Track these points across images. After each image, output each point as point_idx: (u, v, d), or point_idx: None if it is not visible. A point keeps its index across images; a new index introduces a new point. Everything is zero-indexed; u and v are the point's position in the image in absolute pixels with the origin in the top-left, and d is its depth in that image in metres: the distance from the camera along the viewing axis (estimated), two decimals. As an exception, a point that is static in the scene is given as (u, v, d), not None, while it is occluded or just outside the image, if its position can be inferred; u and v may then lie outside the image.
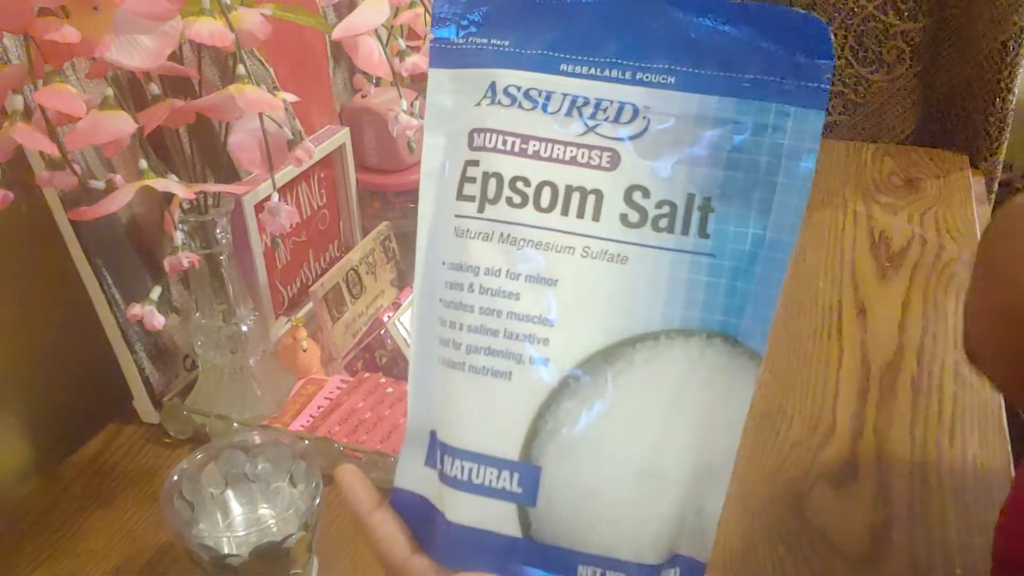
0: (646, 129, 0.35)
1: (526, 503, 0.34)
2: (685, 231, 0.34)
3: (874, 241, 0.97)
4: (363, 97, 0.88)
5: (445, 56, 0.38)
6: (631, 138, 0.35)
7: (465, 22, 0.37)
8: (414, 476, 0.38)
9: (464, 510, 0.35)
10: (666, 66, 0.35)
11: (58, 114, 0.48)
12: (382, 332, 0.77)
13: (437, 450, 0.36)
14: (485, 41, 0.37)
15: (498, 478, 0.35)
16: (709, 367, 0.34)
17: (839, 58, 1.29)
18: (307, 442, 0.62)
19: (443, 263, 0.36)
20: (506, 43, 0.37)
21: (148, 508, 0.63)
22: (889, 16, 1.24)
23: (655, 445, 0.34)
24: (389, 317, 0.78)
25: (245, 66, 0.52)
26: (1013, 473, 0.62)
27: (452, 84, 0.38)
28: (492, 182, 0.36)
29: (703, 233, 0.34)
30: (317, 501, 0.52)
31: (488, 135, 0.36)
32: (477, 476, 0.35)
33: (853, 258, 0.94)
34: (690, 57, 0.35)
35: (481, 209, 0.36)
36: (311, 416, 0.68)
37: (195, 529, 0.52)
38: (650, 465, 0.34)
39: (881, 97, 1.30)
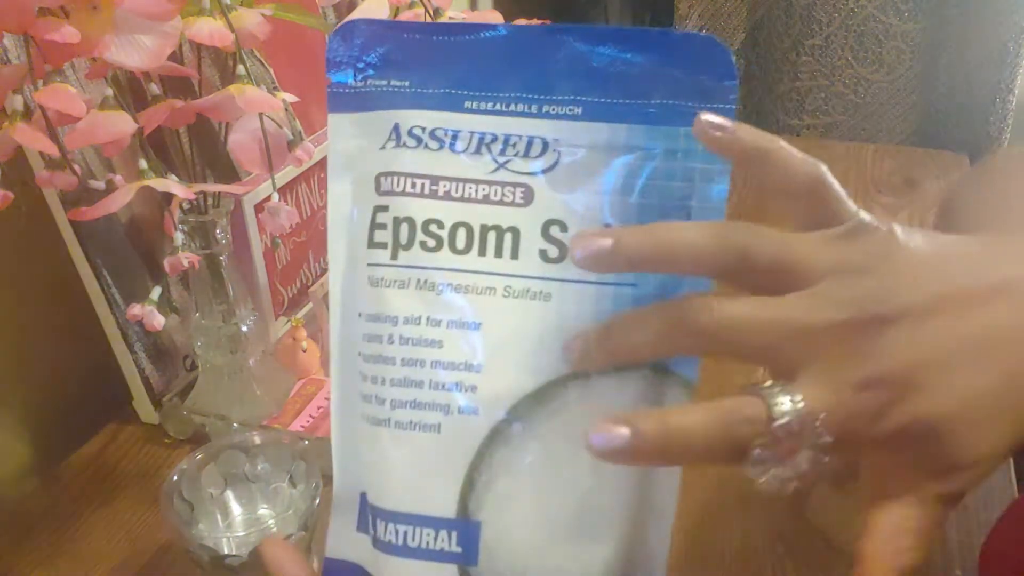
0: (557, 162, 0.34)
1: (467, 563, 0.33)
2: None
3: (874, 241, 0.97)
4: (363, 97, 0.88)
5: (343, 100, 0.36)
6: (543, 172, 0.34)
7: (361, 64, 0.36)
8: (346, 543, 0.36)
9: None
10: (572, 97, 0.34)
11: (58, 114, 0.47)
12: (382, 332, 0.77)
13: (368, 514, 0.35)
14: (384, 83, 0.36)
15: (435, 539, 0.33)
16: (643, 399, 0.33)
17: (839, 58, 1.29)
18: (307, 442, 0.62)
19: (359, 315, 0.35)
20: (407, 84, 0.36)
21: (148, 508, 0.63)
22: (889, 16, 1.24)
23: (593, 487, 0.33)
24: (389, 317, 0.78)
25: (245, 66, 0.52)
26: (1014, 476, 0.62)
27: (354, 129, 0.36)
28: (404, 227, 0.34)
29: None
30: (317, 502, 0.52)
31: (396, 178, 0.35)
32: (413, 539, 0.33)
33: (853, 258, 0.94)
34: (595, 87, 0.34)
35: (395, 256, 0.34)
36: (311, 416, 0.68)
37: (195, 529, 0.52)
38: (590, 507, 0.33)
39: (881, 97, 1.30)
